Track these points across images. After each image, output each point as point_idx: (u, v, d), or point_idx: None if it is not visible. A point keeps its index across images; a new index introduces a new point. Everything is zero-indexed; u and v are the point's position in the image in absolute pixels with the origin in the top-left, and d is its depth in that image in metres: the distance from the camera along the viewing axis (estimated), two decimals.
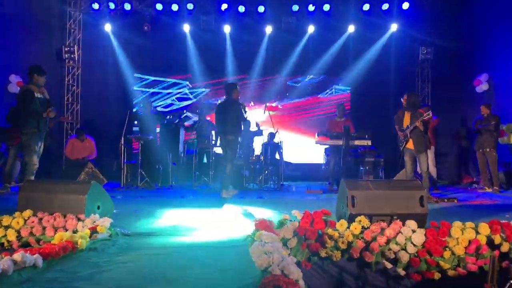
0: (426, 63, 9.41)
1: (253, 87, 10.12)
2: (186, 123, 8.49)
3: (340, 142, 6.72)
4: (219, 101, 6.27)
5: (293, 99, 10.36)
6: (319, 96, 10.12)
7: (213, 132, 8.12)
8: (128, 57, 9.37)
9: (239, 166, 6.99)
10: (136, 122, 7.62)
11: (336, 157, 7.20)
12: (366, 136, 6.78)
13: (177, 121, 7.93)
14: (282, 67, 9.71)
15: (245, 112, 5.89)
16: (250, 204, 4.97)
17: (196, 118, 8.43)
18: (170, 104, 9.89)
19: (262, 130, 7.85)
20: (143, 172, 6.92)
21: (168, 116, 8.08)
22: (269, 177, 7.69)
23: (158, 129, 7.80)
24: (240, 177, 7.10)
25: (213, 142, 7.52)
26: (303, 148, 9.88)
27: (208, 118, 8.33)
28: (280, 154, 7.94)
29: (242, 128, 6.03)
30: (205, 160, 7.87)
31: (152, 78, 9.93)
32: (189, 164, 7.95)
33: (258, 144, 8.34)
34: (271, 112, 7.97)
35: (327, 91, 10.16)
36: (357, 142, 6.85)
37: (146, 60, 9.53)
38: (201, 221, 3.63)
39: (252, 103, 9.93)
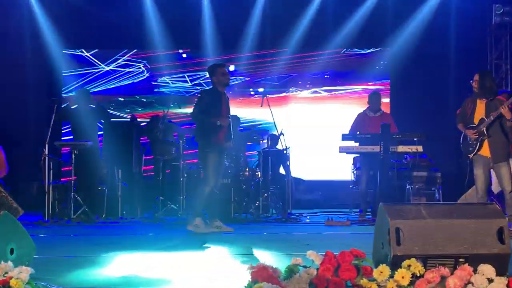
0: (504, 29, 9.47)
1: (247, 69, 10.20)
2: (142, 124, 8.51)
3: (376, 149, 6.75)
4: (205, 89, 6.33)
5: (304, 87, 10.44)
6: (338, 85, 10.15)
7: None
8: (56, 27, 9.36)
9: (225, 187, 7.00)
10: (67, 123, 7.61)
11: (370, 170, 7.22)
12: (416, 140, 6.83)
13: (130, 119, 7.95)
14: (285, 39, 9.80)
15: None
16: (242, 244, 4.97)
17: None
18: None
19: (279, 135, 7.74)
20: (78, 198, 6.91)
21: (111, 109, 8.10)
22: (271, 203, 7.71)
23: (101, 133, 7.83)
24: (226, 202, 7.10)
25: (185, 150, 7.52)
26: (321, 158, 9.92)
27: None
28: (287, 168, 7.96)
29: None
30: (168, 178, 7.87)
31: (90, 54, 9.94)
32: (148, 185, 7.92)
33: (252, 153, 8.36)
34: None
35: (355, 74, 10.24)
36: (402, 148, 6.90)
37: (83, 30, 9.53)
38: (168, 271, 3.61)
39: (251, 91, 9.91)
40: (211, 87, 6.05)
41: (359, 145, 6.97)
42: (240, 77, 10.47)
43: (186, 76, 10.35)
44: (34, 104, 9.29)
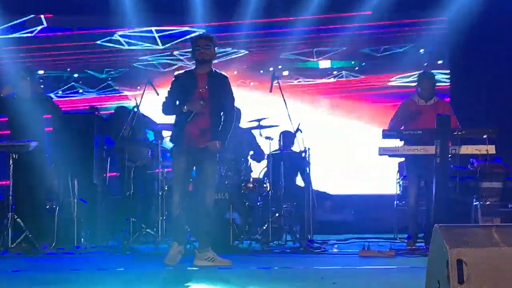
0: None
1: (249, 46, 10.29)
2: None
3: (430, 150, 6.72)
4: (177, 73, 6.34)
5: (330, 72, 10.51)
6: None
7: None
8: None
9: (220, 204, 6.96)
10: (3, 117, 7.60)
11: (421, 180, 7.18)
12: (486, 138, 6.78)
13: (88, 110, 7.94)
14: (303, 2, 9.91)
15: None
16: (242, 283, 4.94)
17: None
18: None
19: (295, 132, 7.76)
20: (18, 220, 6.90)
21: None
22: (284, 226, 7.68)
23: (49, 130, 7.82)
24: (223, 226, 7.10)
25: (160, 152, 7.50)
26: (354, 165, 9.89)
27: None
28: (307, 177, 7.92)
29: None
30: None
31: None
32: (115, 202, 7.90)
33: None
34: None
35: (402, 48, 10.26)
36: (466, 150, 6.86)
37: None
38: None
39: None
40: (189, 69, 6.29)
41: (406, 144, 6.93)
42: (242, 51, 10.54)
43: (155, 32, 10.48)
44: None
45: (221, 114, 6.10)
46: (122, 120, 7.97)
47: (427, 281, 3.32)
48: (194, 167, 6.16)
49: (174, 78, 6.21)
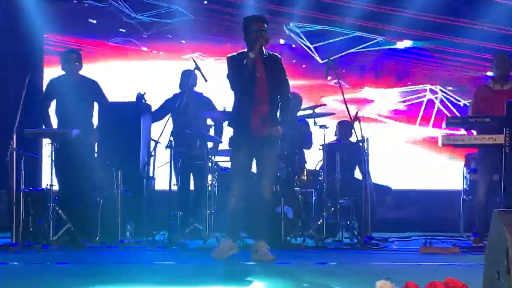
0: None
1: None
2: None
3: (500, 139, 6.60)
4: (230, 55, 6.24)
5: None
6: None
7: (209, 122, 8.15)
8: None
9: (273, 198, 7.00)
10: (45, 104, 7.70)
11: (492, 174, 7.07)
12: None
13: (137, 98, 8.02)
14: None
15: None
16: (299, 278, 4.99)
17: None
18: None
19: (353, 121, 7.70)
20: (60, 212, 7.04)
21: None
22: (341, 222, 7.72)
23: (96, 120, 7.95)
24: (275, 221, 7.12)
25: (214, 142, 7.54)
26: (418, 157, 9.78)
27: (200, 92, 8.44)
28: (365, 170, 7.88)
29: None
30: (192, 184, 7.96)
31: None
32: (162, 195, 8.00)
33: (313, 150, 8.33)
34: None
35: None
36: None
37: None
38: None
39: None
40: (241, 51, 6.17)
41: (475, 133, 6.83)
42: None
43: None
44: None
45: (278, 98, 6.11)
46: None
47: (486, 272, 3.28)
48: (254, 158, 6.15)
49: (228, 60, 6.15)
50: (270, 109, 6.03)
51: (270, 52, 6.18)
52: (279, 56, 6.23)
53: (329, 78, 8.79)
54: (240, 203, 6.08)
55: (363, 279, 4.85)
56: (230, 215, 6.09)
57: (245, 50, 6.08)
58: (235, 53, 6.20)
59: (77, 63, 7.50)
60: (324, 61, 8.10)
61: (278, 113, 6.10)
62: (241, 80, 5.97)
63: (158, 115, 8.49)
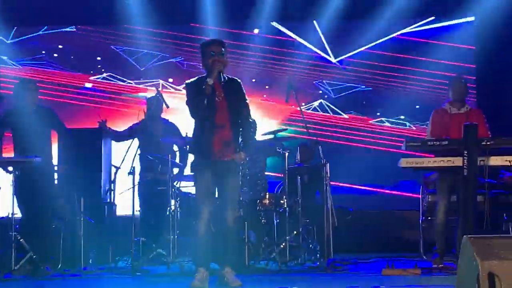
0: None
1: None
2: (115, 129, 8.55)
3: (458, 161, 6.68)
4: (189, 81, 6.13)
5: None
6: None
7: (175, 148, 8.08)
8: None
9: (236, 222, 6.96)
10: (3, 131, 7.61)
11: (450, 194, 7.14)
12: None
13: (99, 124, 7.96)
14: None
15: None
16: None
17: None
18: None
19: (314, 145, 7.76)
20: (21, 240, 6.92)
21: None
22: (303, 244, 7.68)
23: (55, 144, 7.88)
24: (238, 245, 7.07)
25: (177, 166, 7.50)
26: (375, 176, 9.86)
27: (166, 118, 8.42)
28: (327, 193, 7.89)
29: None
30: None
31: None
32: (123, 221, 7.94)
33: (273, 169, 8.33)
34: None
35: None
36: (495, 161, 6.78)
37: None
38: None
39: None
40: (200, 76, 6.07)
41: (433, 155, 6.89)
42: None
43: None
44: None
45: (239, 122, 6.01)
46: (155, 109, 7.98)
47: None
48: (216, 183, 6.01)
49: (187, 86, 6.06)
50: (232, 134, 5.91)
51: (229, 76, 6.08)
52: (238, 80, 6.12)
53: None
54: (209, 227, 5.94)
55: None
56: (201, 241, 5.89)
57: (204, 75, 5.97)
58: (193, 79, 6.08)
59: (35, 93, 7.43)
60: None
61: (239, 138, 5.99)
62: (200, 106, 5.84)
63: (121, 136, 8.44)
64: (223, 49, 5.96)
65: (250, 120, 6.19)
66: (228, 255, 6.00)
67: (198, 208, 5.98)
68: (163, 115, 8.30)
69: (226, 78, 6.00)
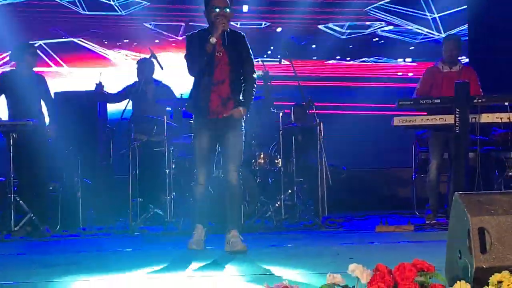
0: None
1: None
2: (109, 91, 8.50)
3: (450, 120, 6.68)
4: (190, 34, 5.90)
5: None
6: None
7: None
8: None
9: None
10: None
11: (443, 152, 7.15)
12: (507, 104, 6.70)
13: (96, 87, 7.92)
14: None
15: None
16: (257, 261, 5.00)
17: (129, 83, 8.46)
18: None
19: (307, 105, 7.74)
20: (20, 202, 6.95)
21: None
22: (298, 203, 7.72)
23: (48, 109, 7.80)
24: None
25: (171, 128, 7.50)
26: (369, 136, 9.88)
27: (159, 79, 8.38)
28: (320, 152, 7.91)
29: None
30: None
31: None
32: (121, 182, 7.93)
33: (267, 131, 8.31)
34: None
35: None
36: (487, 118, 6.79)
37: None
38: None
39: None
40: (201, 29, 5.84)
41: (426, 114, 6.90)
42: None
43: None
44: None
45: (242, 78, 5.71)
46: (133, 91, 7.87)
47: (448, 252, 3.32)
48: (218, 142, 5.81)
49: (187, 39, 5.79)
50: (232, 90, 5.61)
51: (233, 30, 5.76)
52: (242, 33, 5.75)
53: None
54: (206, 192, 5.82)
55: (324, 260, 4.89)
56: (197, 204, 5.78)
57: (206, 29, 5.69)
58: (195, 32, 5.82)
59: (35, 57, 7.39)
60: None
61: (241, 94, 5.68)
62: (199, 64, 5.58)
63: (115, 97, 8.38)
64: (228, 3, 5.60)
65: (254, 76, 5.79)
66: (233, 217, 5.73)
67: (194, 170, 5.80)
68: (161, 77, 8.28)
69: (229, 31, 5.63)
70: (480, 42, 10.05)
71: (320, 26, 10.79)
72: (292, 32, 10.63)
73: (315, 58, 10.90)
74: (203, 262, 5.07)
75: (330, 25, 10.79)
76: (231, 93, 5.62)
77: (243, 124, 5.75)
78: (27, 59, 7.31)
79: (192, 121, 5.98)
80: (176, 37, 10.55)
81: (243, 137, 5.77)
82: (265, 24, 10.75)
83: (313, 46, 10.90)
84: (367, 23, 10.78)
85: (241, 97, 5.67)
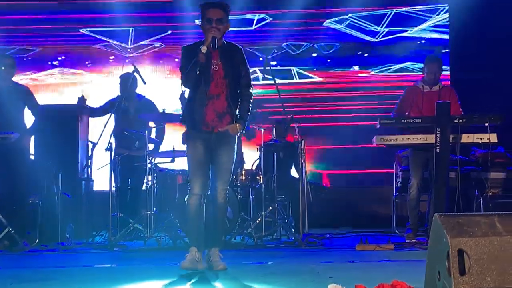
0: None
1: None
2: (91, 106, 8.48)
3: (430, 139, 6.71)
4: (185, 45, 5.75)
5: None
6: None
7: (151, 124, 8.07)
8: None
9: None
10: None
11: (422, 171, 7.19)
12: (487, 124, 6.75)
13: (78, 100, 7.89)
14: None
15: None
16: (237, 280, 4.98)
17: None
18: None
19: (288, 121, 7.79)
20: (0, 216, 6.90)
21: None
22: (278, 220, 7.71)
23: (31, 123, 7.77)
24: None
25: (153, 142, 7.48)
26: (350, 155, 9.90)
27: (142, 94, 8.35)
28: (302, 169, 7.93)
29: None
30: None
31: None
32: (100, 196, 7.92)
33: (249, 148, 8.33)
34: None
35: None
36: (467, 138, 6.83)
37: None
38: None
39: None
40: (198, 41, 5.63)
41: (407, 133, 6.92)
42: None
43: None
44: None
45: (238, 92, 5.55)
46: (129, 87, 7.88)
47: (427, 273, 3.31)
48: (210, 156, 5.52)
49: (183, 51, 5.60)
50: (228, 105, 5.44)
51: (229, 42, 5.63)
52: (239, 46, 5.67)
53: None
54: (201, 203, 5.48)
55: (304, 279, 4.87)
56: (193, 218, 5.45)
57: (202, 40, 5.45)
58: (190, 44, 5.66)
59: (12, 69, 7.34)
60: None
61: (237, 110, 5.50)
62: (192, 75, 5.36)
63: (98, 111, 8.37)
64: (223, 14, 5.41)
65: (251, 90, 5.63)
66: (216, 235, 5.56)
67: (188, 183, 5.52)
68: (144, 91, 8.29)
69: (225, 44, 5.54)
70: (462, 56, 10.14)
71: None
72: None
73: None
74: (182, 279, 5.02)
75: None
76: (227, 107, 5.44)
77: (236, 140, 5.61)
78: (5, 71, 7.26)
79: (184, 133, 5.73)
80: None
81: (235, 154, 5.60)
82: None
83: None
84: None
85: (237, 113, 5.52)
